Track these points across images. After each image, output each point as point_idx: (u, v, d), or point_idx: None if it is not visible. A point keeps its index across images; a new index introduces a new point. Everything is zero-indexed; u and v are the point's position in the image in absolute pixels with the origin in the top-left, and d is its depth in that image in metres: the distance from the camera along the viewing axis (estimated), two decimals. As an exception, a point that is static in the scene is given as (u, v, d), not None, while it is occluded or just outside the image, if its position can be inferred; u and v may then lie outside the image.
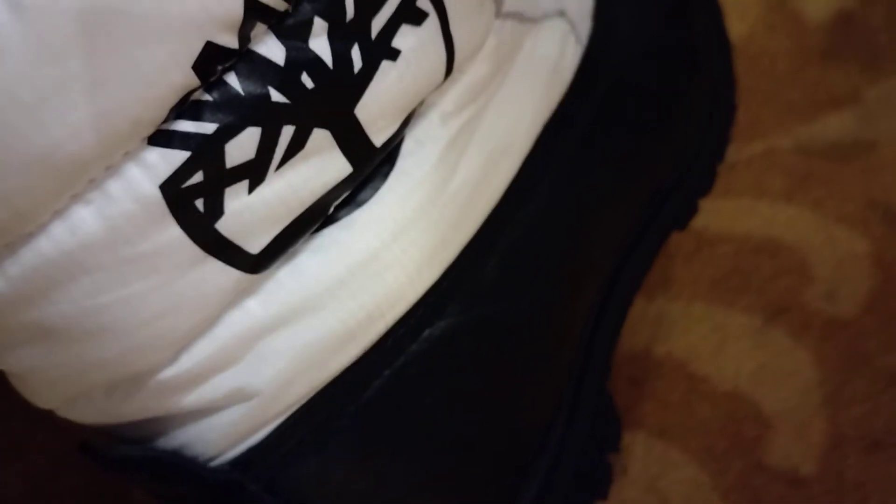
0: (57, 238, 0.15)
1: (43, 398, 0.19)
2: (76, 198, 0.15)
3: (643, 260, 0.31)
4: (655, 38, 0.29)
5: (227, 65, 0.16)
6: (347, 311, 0.19)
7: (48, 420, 0.20)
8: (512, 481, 0.25)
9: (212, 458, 0.19)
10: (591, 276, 0.27)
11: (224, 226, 0.17)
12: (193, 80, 0.16)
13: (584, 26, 0.26)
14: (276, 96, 0.17)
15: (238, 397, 0.19)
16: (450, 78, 0.20)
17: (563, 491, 0.26)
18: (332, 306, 0.19)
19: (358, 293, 0.19)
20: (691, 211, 0.33)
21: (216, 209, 0.17)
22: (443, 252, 0.21)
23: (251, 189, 0.17)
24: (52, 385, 0.18)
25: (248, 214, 0.17)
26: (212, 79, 0.16)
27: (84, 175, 0.15)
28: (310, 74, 0.17)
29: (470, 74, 0.21)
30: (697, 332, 0.35)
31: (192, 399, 0.18)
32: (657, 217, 0.31)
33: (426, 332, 0.21)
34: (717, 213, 0.37)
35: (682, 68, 0.31)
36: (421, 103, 0.20)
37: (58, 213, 0.15)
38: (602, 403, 0.28)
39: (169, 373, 0.18)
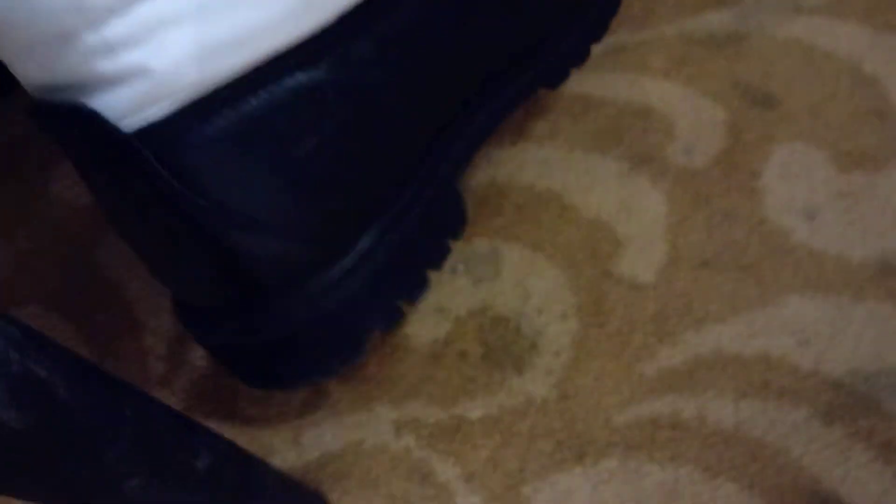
0: None
1: (12, 50, 0.26)
2: None
3: (507, 99, 0.38)
4: None
5: None
6: (240, 21, 0.26)
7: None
8: (364, 215, 0.32)
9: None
10: (455, 87, 0.34)
11: None
12: None
13: None
14: None
15: (140, 73, 0.26)
16: None
17: (403, 249, 0.34)
18: (227, 14, 0.26)
19: (251, 8, 0.26)
20: (562, 76, 0.41)
21: None
22: (319, 5, 0.28)
23: None
24: (16, 30, 0.25)
25: None
26: None
27: None
28: None
29: None
30: (574, 173, 0.42)
31: (107, 66, 0.25)
32: (529, 68, 0.38)
33: (299, 74, 0.28)
34: (604, 84, 0.45)
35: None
36: None
37: None
38: (453, 197, 0.36)
39: (92, 38, 0.25)
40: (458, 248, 0.40)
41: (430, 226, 0.35)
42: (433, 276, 0.39)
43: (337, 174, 0.30)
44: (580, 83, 0.45)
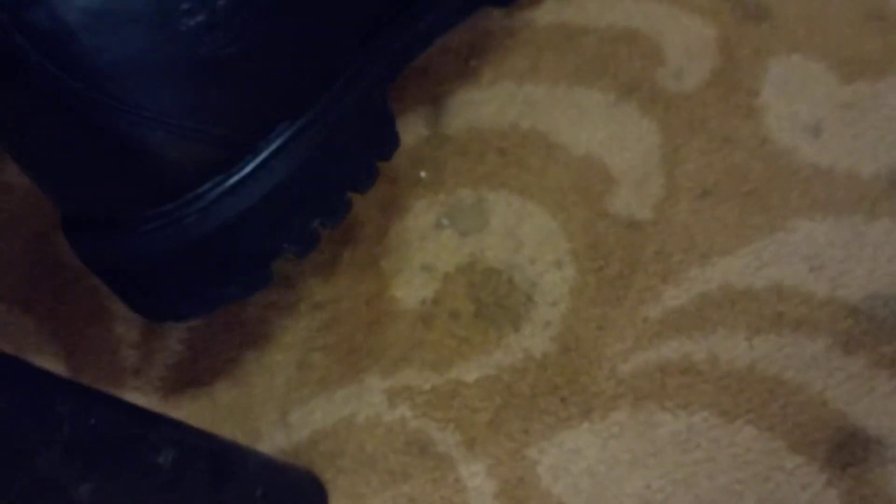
0: None
1: None
2: None
3: (453, 8, 0.35)
4: None
5: None
6: None
7: None
8: (271, 112, 0.30)
9: None
10: None
11: None
12: None
13: None
14: None
15: None
16: None
17: (320, 160, 0.31)
18: None
19: None
20: None
21: None
22: None
23: None
24: None
25: None
26: None
27: None
28: None
29: None
30: (558, 109, 0.39)
31: None
32: None
33: None
34: (583, 10, 0.41)
35: None
36: None
37: None
38: (384, 114, 0.33)
39: None
40: (441, 201, 0.38)
41: (354, 141, 0.32)
42: (417, 232, 0.37)
43: (234, 57, 0.27)
44: (558, 11, 0.41)
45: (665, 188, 0.37)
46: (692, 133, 0.38)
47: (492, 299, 0.35)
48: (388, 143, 0.35)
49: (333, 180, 0.32)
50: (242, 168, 0.30)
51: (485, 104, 0.40)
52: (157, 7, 0.26)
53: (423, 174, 0.38)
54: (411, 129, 0.39)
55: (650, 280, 0.35)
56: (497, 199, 0.38)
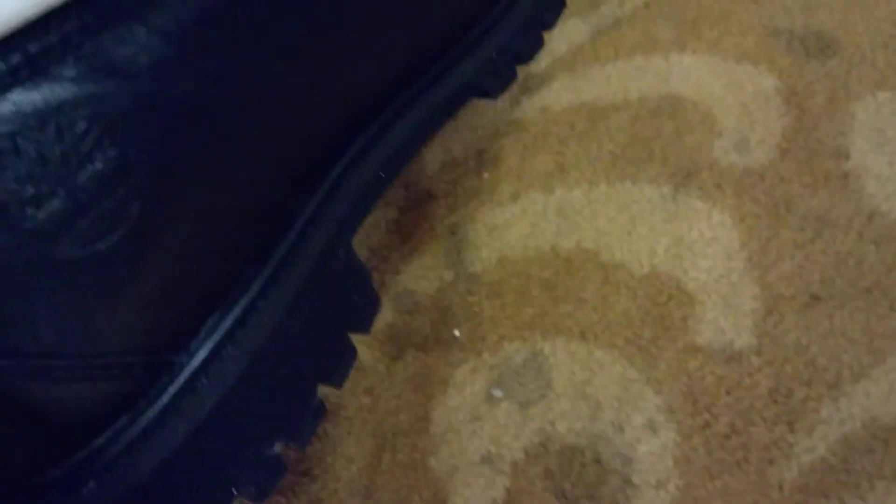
0: None
1: None
2: None
3: (430, 110, 0.27)
4: None
5: None
6: None
7: None
8: (194, 311, 0.21)
9: None
10: (324, 103, 0.23)
11: None
12: None
13: None
14: None
15: None
16: None
17: (270, 357, 0.22)
18: None
19: None
20: (507, 78, 0.29)
21: None
22: None
23: None
24: None
25: None
26: None
27: None
28: None
29: None
30: (603, 217, 0.31)
31: None
32: (444, 74, 0.27)
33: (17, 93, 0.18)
34: (607, 81, 0.34)
35: None
36: None
37: None
38: (348, 266, 0.25)
39: None
40: (487, 363, 0.30)
41: (316, 317, 0.24)
42: (465, 411, 0.29)
43: (117, 249, 0.20)
44: (574, 89, 0.33)
45: (761, 301, 0.29)
46: (778, 220, 0.30)
47: (580, 490, 0.28)
48: (364, 307, 0.27)
49: (292, 382, 0.24)
50: (156, 400, 0.22)
51: (512, 226, 0.32)
52: (27, 227, 0.18)
53: (456, 332, 0.31)
54: (430, 274, 0.32)
55: (773, 430, 0.27)
56: (555, 351, 0.30)
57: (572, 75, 0.34)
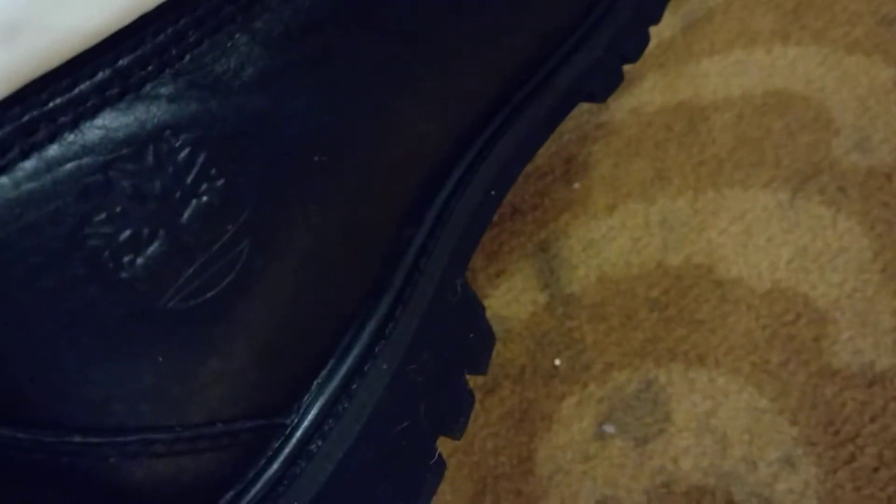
0: None
1: None
2: None
3: (529, 131, 0.23)
4: None
5: None
6: None
7: None
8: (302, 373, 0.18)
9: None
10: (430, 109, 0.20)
11: None
12: None
13: None
14: None
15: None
16: None
17: (385, 411, 0.19)
18: None
19: None
20: (612, 79, 0.26)
21: None
22: None
23: None
24: None
25: None
26: None
27: None
28: None
29: None
30: (714, 228, 0.28)
31: None
32: (552, 77, 0.24)
33: (105, 116, 0.15)
34: (704, 79, 0.30)
35: None
36: None
37: None
38: (466, 301, 0.21)
39: None
40: (595, 396, 0.27)
41: (433, 362, 0.21)
42: (574, 451, 0.26)
43: (224, 300, 0.16)
44: (668, 88, 0.30)
45: (902, 315, 0.26)
46: (913, 225, 0.27)
47: (714, 537, 0.25)
48: (480, 345, 0.24)
49: (413, 437, 0.21)
50: (266, 469, 0.19)
51: (611, 240, 0.29)
52: (70, 249, 0.14)
53: (557, 361, 0.27)
54: (521, 297, 0.29)
55: (931, 463, 0.24)
56: (672, 379, 0.27)
57: (664, 73, 0.31)
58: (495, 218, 0.30)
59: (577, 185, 0.30)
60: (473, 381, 0.28)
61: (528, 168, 0.30)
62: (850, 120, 0.29)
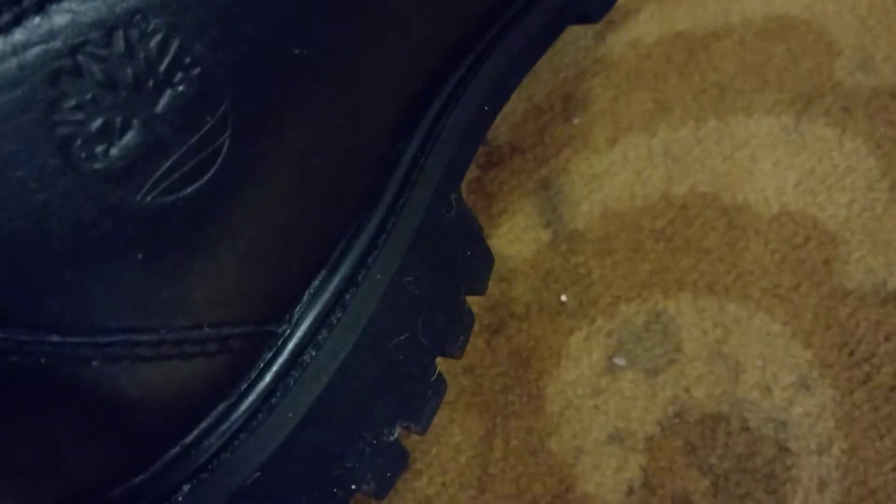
0: None
1: None
2: None
3: (520, 49, 0.23)
4: None
5: None
6: None
7: None
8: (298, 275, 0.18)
9: None
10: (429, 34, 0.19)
11: None
12: None
13: None
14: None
15: None
16: None
17: (383, 325, 0.19)
18: None
19: None
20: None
21: None
22: None
23: None
24: None
25: None
26: None
27: None
28: None
29: None
30: (719, 155, 0.28)
31: None
32: None
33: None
34: (702, 6, 0.30)
35: None
36: None
37: None
38: (463, 218, 0.21)
39: None
40: (604, 330, 0.26)
41: (428, 273, 0.21)
42: (585, 385, 0.26)
43: (208, 191, 0.16)
44: (666, 17, 0.30)
45: (914, 233, 0.25)
46: (921, 142, 0.26)
47: (730, 463, 0.24)
48: (478, 264, 0.23)
49: (410, 353, 0.21)
50: (257, 381, 0.18)
51: (614, 174, 0.28)
52: (40, 136, 0.14)
53: (563, 297, 0.27)
54: (524, 235, 0.28)
55: (950, 378, 0.24)
56: (681, 309, 0.26)
57: (661, 4, 0.30)
58: (494, 157, 0.29)
59: (576, 121, 0.29)
60: (479, 321, 0.27)
61: (527, 105, 0.30)
62: (851, 41, 0.28)
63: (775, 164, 0.27)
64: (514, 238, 0.28)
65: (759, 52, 0.29)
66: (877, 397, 0.24)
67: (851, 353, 0.25)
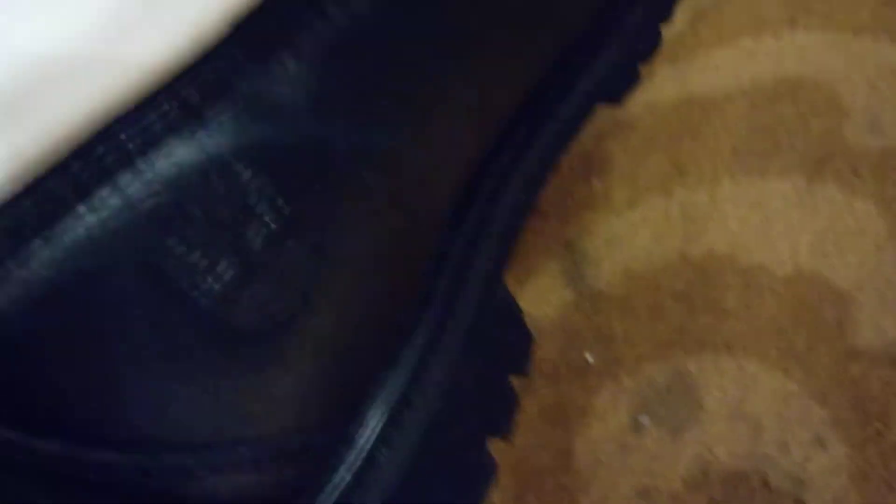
0: None
1: None
2: None
3: (554, 136, 0.24)
4: None
5: None
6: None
7: None
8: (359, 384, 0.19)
9: None
10: (451, 128, 0.21)
11: None
12: None
13: None
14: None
15: None
16: None
17: (438, 419, 0.20)
18: None
19: None
20: (629, 79, 0.27)
21: None
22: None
23: None
24: None
25: None
26: None
27: None
28: None
29: None
30: (734, 217, 0.29)
31: None
32: (573, 82, 0.25)
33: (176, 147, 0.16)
34: (715, 69, 0.31)
35: None
36: None
37: None
38: (507, 306, 0.22)
39: None
40: (628, 389, 0.28)
41: (480, 362, 0.22)
42: (611, 443, 0.27)
43: (296, 319, 0.17)
44: (680, 81, 0.31)
45: (922, 293, 0.27)
46: (927, 204, 0.28)
47: (752, 519, 0.26)
48: (521, 346, 0.25)
49: (466, 441, 0.22)
50: (338, 481, 0.19)
51: (633, 235, 0.30)
52: (173, 273, 0.15)
53: (588, 356, 0.28)
54: (549, 296, 0.29)
55: (958, 435, 0.25)
56: (702, 368, 0.28)
57: (675, 66, 0.31)
58: (519, 220, 0.30)
59: (596, 183, 0.30)
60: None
61: (548, 168, 0.31)
62: (860, 102, 0.29)
63: (789, 226, 0.28)
64: (540, 299, 0.29)
65: (770, 114, 0.30)
66: (888, 454, 0.26)
67: (864, 412, 0.26)
